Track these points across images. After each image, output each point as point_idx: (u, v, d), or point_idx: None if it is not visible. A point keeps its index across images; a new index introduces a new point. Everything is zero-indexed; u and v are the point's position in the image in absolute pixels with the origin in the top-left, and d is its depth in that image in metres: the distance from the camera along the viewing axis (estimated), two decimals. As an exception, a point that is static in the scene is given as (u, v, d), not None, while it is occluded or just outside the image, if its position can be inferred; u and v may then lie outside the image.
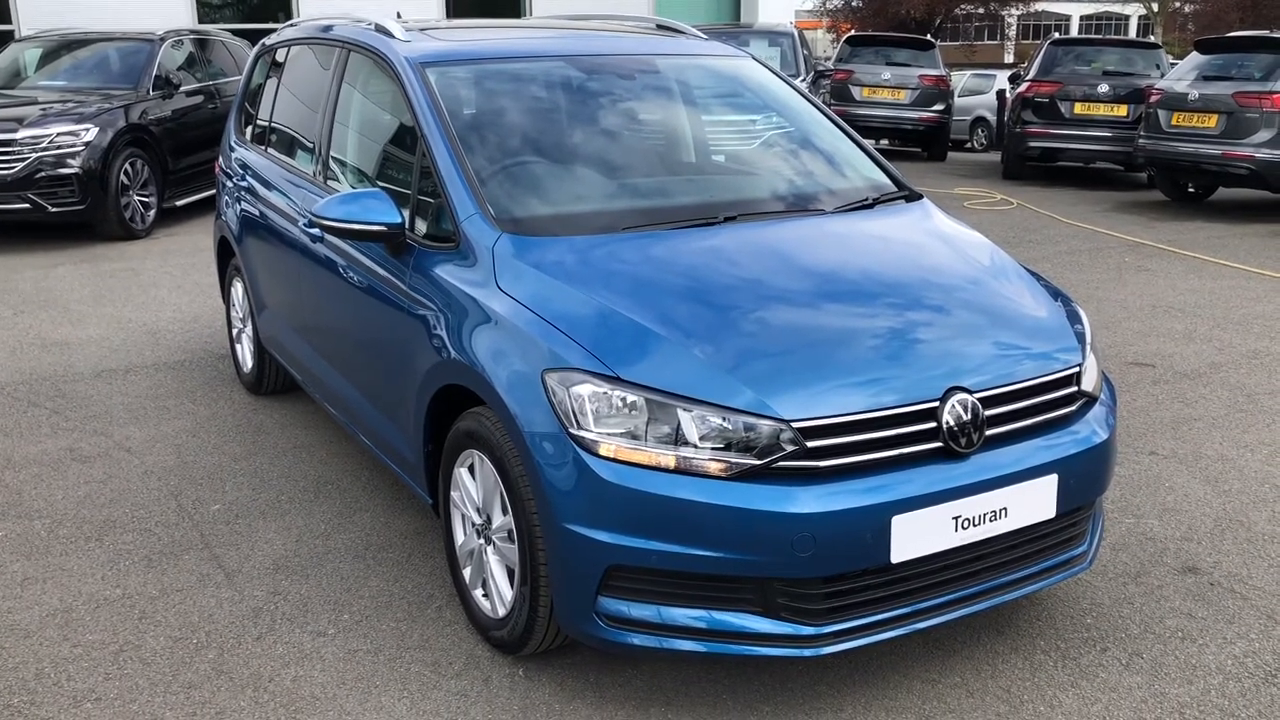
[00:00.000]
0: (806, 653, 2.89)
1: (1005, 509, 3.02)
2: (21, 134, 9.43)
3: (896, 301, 3.36)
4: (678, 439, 2.85)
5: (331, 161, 4.55)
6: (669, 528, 2.82)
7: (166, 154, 10.66)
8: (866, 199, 4.04)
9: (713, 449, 2.84)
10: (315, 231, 4.32)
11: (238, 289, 5.83)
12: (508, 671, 3.30)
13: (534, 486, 3.01)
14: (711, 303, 3.19)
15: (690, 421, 2.85)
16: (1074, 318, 3.54)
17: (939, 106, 17.05)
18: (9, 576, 3.88)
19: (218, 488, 4.65)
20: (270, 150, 5.31)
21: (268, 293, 5.23)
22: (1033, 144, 14.13)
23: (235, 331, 6.02)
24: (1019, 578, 3.17)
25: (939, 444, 2.97)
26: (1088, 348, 3.42)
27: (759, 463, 2.83)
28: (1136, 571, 3.89)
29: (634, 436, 2.87)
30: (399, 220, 3.63)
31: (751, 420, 2.84)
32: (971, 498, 2.96)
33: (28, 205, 9.52)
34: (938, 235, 3.87)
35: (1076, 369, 3.30)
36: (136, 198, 10.23)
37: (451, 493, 3.52)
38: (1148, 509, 4.40)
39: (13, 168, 9.38)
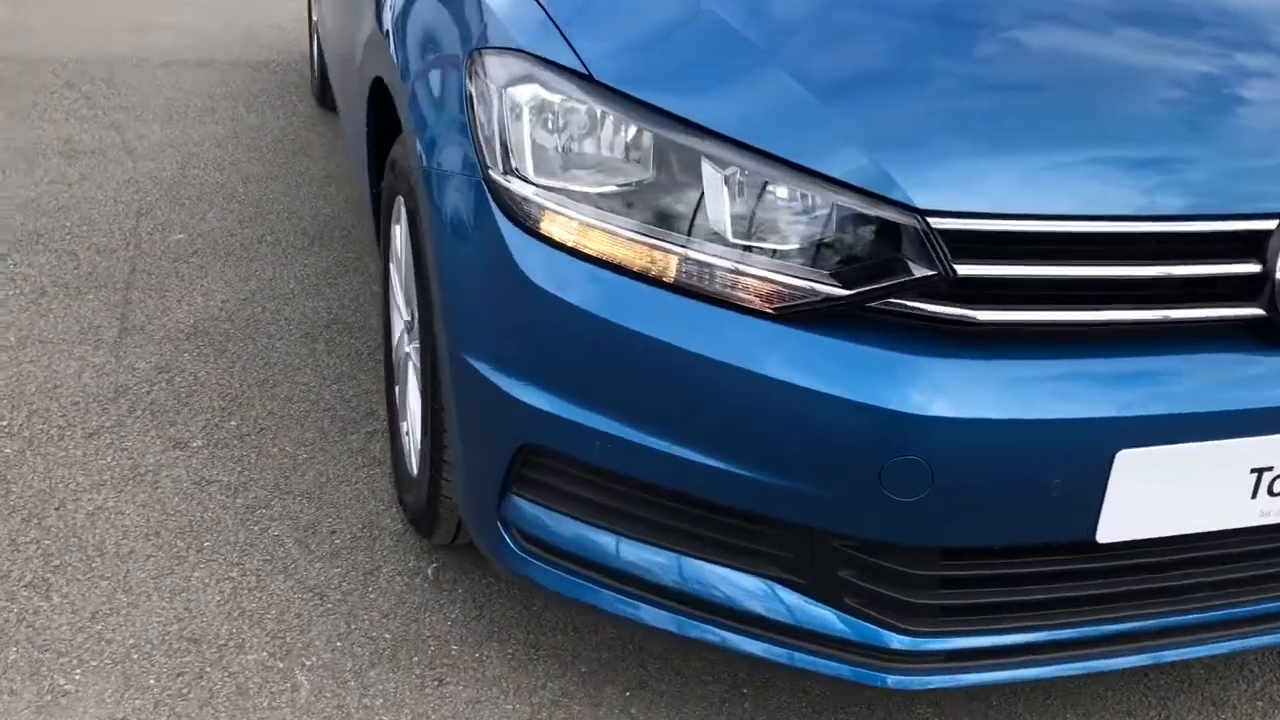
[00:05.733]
0: (888, 680, 1.45)
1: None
2: None
3: (1220, 34, 1.68)
4: (693, 223, 1.38)
5: None
6: (642, 396, 1.39)
7: None
8: None
9: (759, 252, 1.35)
10: None
11: (314, -31, 4.53)
12: (411, 565, 2.01)
13: (433, 273, 1.62)
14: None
15: (722, 188, 1.36)
16: None
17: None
18: None
19: (198, 214, 3.47)
20: None
21: (319, -34, 3.89)
22: None
23: (313, 25, 4.76)
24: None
25: (1257, 309, 1.38)
26: None
27: (844, 294, 1.32)
28: None
29: (607, 203, 1.41)
30: None
31: (852, 202, 1.32)
32: (1304, 434, 1.38)
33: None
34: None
35: None
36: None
37: (389, 262, 2.17)
38: None
39: None
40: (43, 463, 2.21)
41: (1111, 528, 1.37)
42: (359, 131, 2.29)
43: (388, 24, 1.88)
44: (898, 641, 1.43)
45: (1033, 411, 1.30)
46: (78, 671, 1.73)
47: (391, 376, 2.23)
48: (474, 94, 1.51)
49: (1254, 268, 1.37)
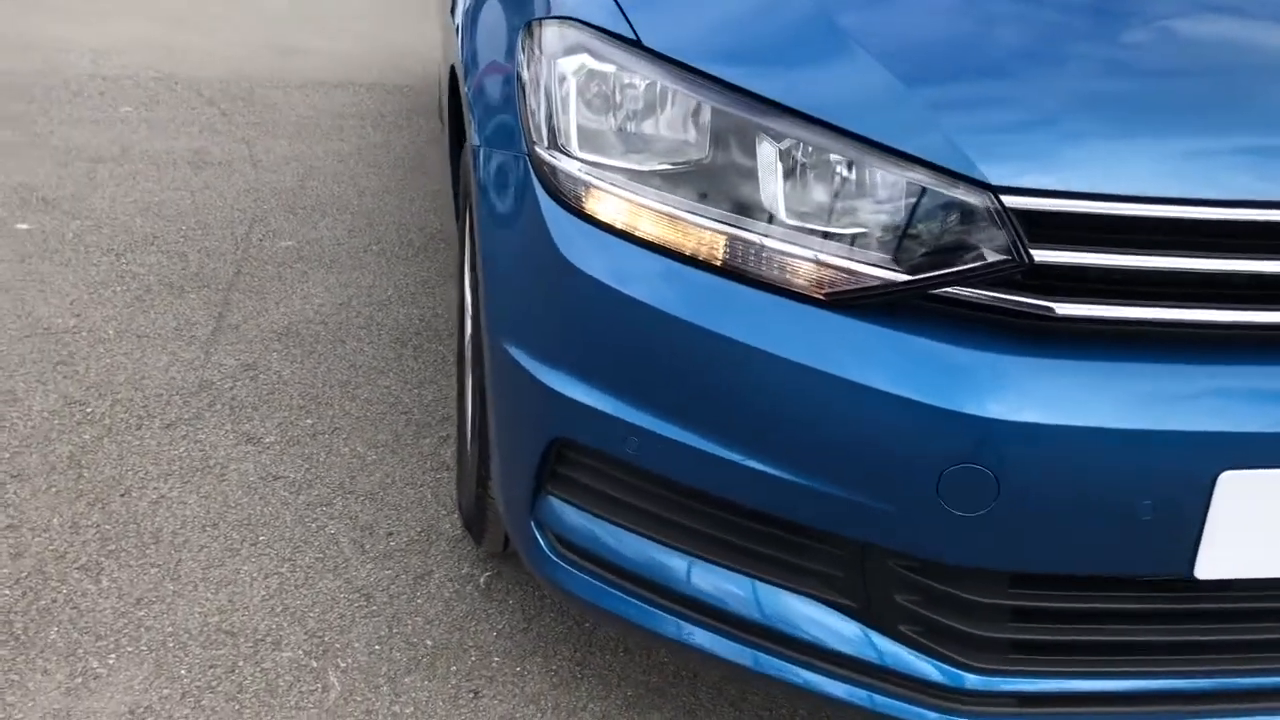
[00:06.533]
0: (950, 721, 1.28)
1: None
2: None
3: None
4: (744, 201, 1.26)
5: None
6: (678, 388, 1.27)
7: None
8: None
9: (814, 233, 1.23)
10: None
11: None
12: (465, 572, 1.92)
13: (478, 256, 1.54)
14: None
15: (776, 162, 1.24)
16: None
17: None
18: (-24, 277, 2.95)
19: (310, 223, 3.51)
20: None
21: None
22: None
23: (441, 48, 4.83)
24: None
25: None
26: None
27: (904, 280, 1.19)
28: None
29: (652, 180, 1.30)
30: None
31: (917, 177, 1.19)
32: None
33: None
34: None
35: None
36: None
37: (463, 260, 2.12)
38: None
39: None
40: (117, 450, 2.21)
41: (1213, 562, 1.19)
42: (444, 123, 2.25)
43: (459, 15, 1.83)
44: (965, 680, 1.27)
45: (1115, 420, 1.13)
46: (112, 656, 1.69)
47: (462, 378, 2.17)
48: (525, 66, 1.44)
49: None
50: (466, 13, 1.80)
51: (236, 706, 1.61)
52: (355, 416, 2.39)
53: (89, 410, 2.35)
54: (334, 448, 2.27)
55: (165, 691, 1.63)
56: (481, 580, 1.91)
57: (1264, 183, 1.17)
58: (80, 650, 1.70)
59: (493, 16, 1.65)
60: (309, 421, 2.36)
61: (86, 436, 2.26)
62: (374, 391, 2.50)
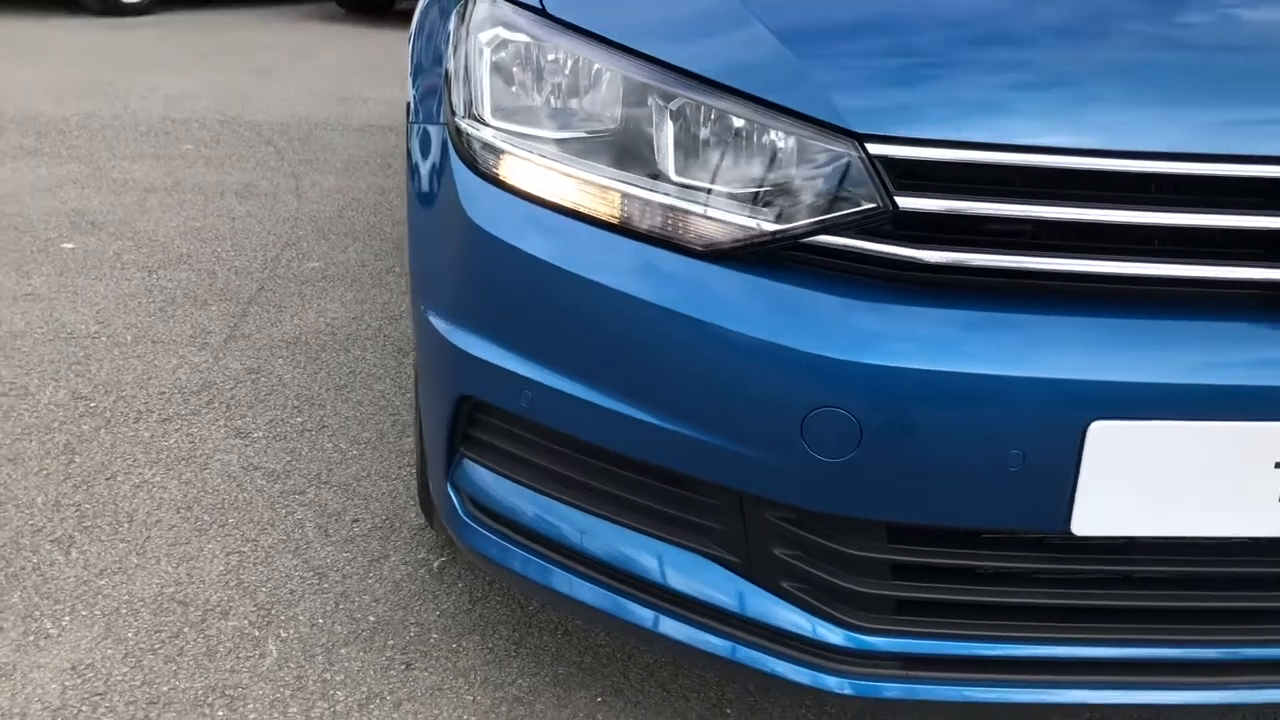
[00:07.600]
0: (835, 685, 1.27)
1: None
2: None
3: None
4: (635, 160, 1.29)
5: None
6: (564, 339, 1.30)
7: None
8: None
9: (696, 189, 1.25)
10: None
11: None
12: (420, 557, 1.96)
13: (407, 228, 1.60)
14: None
15: (665, 124, 1.27)
16: None
17: None
18: (12, 286, 3.10)
19: (340, 247, 3.63)
20: None
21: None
22: None
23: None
24: None
25: (1273, 271, 1.16)
26: None
27: (773, 230, 1.21)
28: None
29: (555, 144, 1.35)
30: None
31: (790, 127, 1.21)
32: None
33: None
34: None
35: None
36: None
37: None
38: None
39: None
40: (111, 439, 2.30)
41: (1089, 518, 1.17)
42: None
43: (414, 23, 1.91)
44: (840, 638, 1.25)
45: (977, 365, 1.13)
46: (66, 618, 1.76)
47: (441, 377, 2.21)
48: (452, 42, 1.50)
49: (1276, 222, 1.16)
50: (419, 16, 1.88)
51: (174, 667, 1.66)
52: (345, 416, 2.46)
53: (93, 405, 2.45)
54: (318, 443, 2.33)
55: (109, 651, 1.69)
56: (435, 565, 1.94)
57: (1134, 133, 1.16)
58: (37, 613, 1.77)
59: (434, 12, 1.72)
60: (299, 420, 2.43)
61: (85, 427, 2.35)
62: (367, 394, 2.56)
